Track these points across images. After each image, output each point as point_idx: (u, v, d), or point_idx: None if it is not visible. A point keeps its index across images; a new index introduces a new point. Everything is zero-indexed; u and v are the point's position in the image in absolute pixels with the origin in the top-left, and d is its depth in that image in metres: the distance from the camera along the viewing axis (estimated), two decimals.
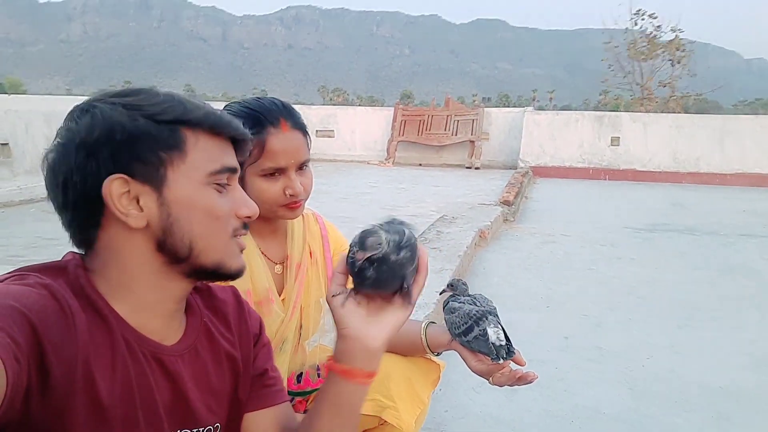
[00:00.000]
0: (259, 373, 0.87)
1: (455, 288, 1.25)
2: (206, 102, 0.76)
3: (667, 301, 3.46)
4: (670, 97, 20.67)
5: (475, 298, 1.21)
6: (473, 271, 4.03)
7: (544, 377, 2.37)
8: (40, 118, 6.11)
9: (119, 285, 0.70)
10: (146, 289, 0.71)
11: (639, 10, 20.69)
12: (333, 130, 11.84)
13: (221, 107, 1.21)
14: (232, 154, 0.75)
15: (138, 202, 0.68)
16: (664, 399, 2.25)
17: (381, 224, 0.78)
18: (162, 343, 0.73)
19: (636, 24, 20.55)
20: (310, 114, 11.98)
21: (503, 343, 1.10)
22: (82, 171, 0.66)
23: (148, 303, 0.71)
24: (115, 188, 0.66)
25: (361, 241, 0.75)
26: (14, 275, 0.65)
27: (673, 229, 5.65)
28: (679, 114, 12.45)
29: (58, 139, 0.68)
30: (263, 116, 1.15)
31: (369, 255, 0.74)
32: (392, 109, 11.77)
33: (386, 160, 11.10)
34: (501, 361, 1.09)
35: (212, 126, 0.71)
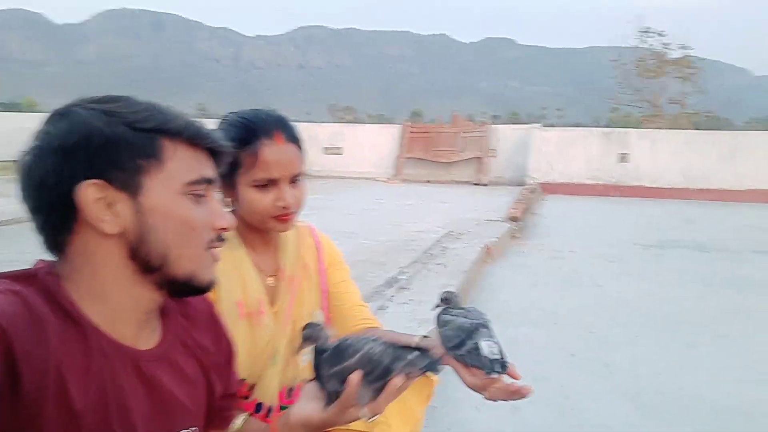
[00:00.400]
0: (229, 394, 0.89)
1: (450, 301, 1.22)
2: (183, 112, 0.76)
3: (676, 318, 3.40)
4: (680, 113, 20.62)
5: (467, 311, 1.18)
6: (480, 287, 3.99)
7: (550, 394, 2.34)
8: None
9: (91, 291, 0.69)
10: (118, 297, 0.70)
11: (647, 28, 20.80)
12: (341, 148, 11.90)
13: (244, 111, 1.22)
14: (210, 165, 0.75)
15: (113, 208, 0.67)
16: (672, 416, 2.19)
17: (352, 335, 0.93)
18: (138, 348, 0.73)
19: (644, 41, 20.65)
20: (318, 131, 12.07)
21: (497, 357, 1.07)
22: (57, 174, 0.66)
23: (120, 310, 0.71)
24: (91, 193, 0.66)
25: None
26: None
27: (682, 246, 5.57)
28: (689, 130, 12.39)
29: (35, 142, 0.68)
30: (258, 127, 1.16)
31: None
32: (400, 126, 11.83)
33: (394, 176, 11.12)
34: (495, 374, 1.06)
35: (191, 136, 0.72)
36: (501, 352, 1.08)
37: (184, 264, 0.71)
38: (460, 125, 11.65)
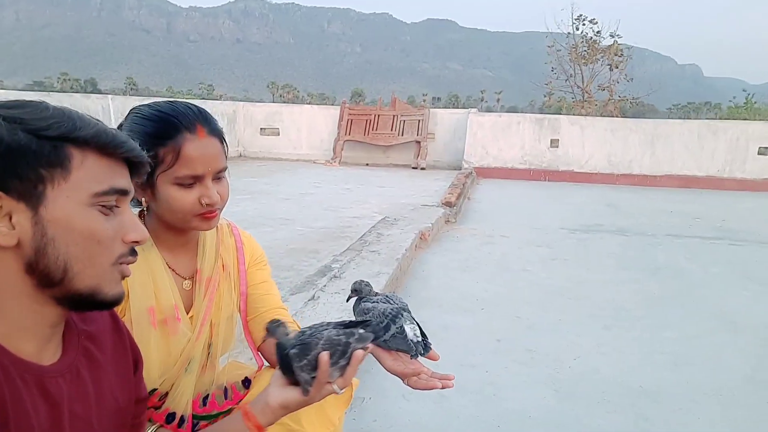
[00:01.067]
0: (140, 399, 0.87)
1: (360, 291, 1.24)
2: (99, 120, 0.72)
3: (596, 302, 3.58)
4: (609, 100, 21.59)
5: (387, 297, 1.21)
6: (413, 274, 4.04)
7: (475, 382, 2.40)
8: None
9: None
10: (16, 312, 0.66)
11: (580, 15, 21.53)
12: (278, 129, 11.64)
13: (159, 103, 1.13)
14: (125, 175, 0.72)
15: (10, 219, 0.64)
16: (588, 400, 2.31)
17: (309, 326, 1.00)
18: (41, 364, 0.69)
19: (578, 29, 21.38)
20: (254, 111, 11.74)
21: (419, 339, 1.10)
22: None
23: (20, 326, 0.67)
24: None
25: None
26: None
27: (605, 230, 5.86)
28: (614, 118, 13.00)
29: None
30: (178, 121, 1.08)
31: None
32: (339, 107, 11.68)
33: (332, 159, 11.02)
34: (419, 357, 1.09)
35: (103, 145, 0.69)
36: (422, 334, 1.12)
37: (86, 279, 0.68)
38: (399, 108, 11.65)
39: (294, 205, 6.09)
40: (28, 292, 0.66)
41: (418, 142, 10.96)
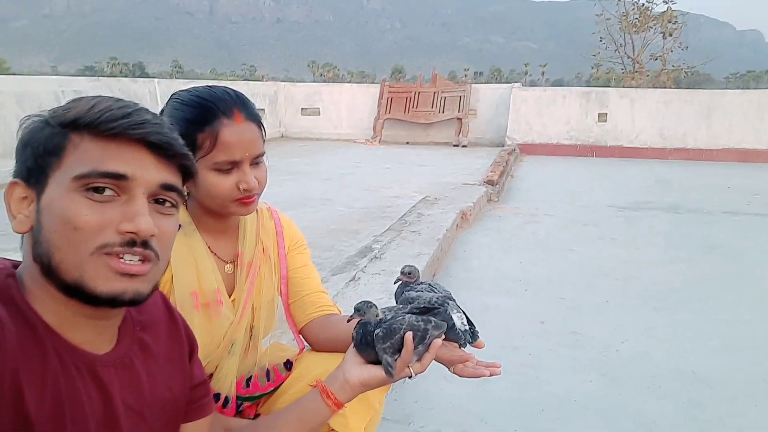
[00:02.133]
0: (197, 384, 0.86)
1: (412, 275, 1.22)
2: (138, 104, 0.70)
3: (645, 283, 3.45)
4: (662, 70, 20.58)
5: (431, 285, 1.19)
6: (453, 255, 4.00)
7: (517, 364, 2.37)
8: (12, 99, 5.93)
9: (38, 293, 0.67)
10: (51, 302, 0.67)
11: None
12: (319, 108, 11.67)
13: (198, 88, 1.14)
14: (132, 160, 0.66)
15: (30, 207, 0.67)
16: (636, 385, 2.24)
17: (389, 308, 1.04)
18: (94, 353, 0.70)
19: None
20: (295, 92, 11.79)
21: (467, 327, 1.09)
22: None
23: (62, 316, 0.68)
24: (13, 192, 0.67)
25: (358, 308, 1.02)
26: None
27: (656, 207, 5.63)
28: (667, 89, 12.38)
29: None
30: (216, 106, 1.08)
31: (357, 319, 1.00)
32: (379, 86, 11.59)
33: (372, 138, 10.98)
34: (467, 345, 1.08)
35: (104, 129, 0.65)
36: (470, 322, 1.10)
37: (69, 269, 0.64)
38: (440, 84, 11.45)
39: (334, 185, 6.12)
40: (42, 282, 0.67)
41: (460, 119, 10.77)
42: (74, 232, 0.64)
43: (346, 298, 2.69)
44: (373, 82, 14.43)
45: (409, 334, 0.95)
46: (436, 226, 4.15)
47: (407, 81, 24.44)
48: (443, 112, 10.96)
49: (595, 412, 2.04)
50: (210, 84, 1.20)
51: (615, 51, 21.31)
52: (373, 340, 0.97)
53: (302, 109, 11.66)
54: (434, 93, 11.13)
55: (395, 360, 0.96)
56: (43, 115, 0.69)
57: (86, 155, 0.65)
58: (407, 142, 11.04)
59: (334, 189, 5.82)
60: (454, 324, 1.08)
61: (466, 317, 1.11)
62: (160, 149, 0.68)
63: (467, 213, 4.81)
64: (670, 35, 20.03)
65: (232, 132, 1.07)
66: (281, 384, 1.30)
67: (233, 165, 1.09)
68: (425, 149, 10.15)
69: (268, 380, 1.30)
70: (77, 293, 0.65)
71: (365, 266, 3.21)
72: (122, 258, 0.65)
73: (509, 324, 2.81)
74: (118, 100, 0.69)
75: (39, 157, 0.66)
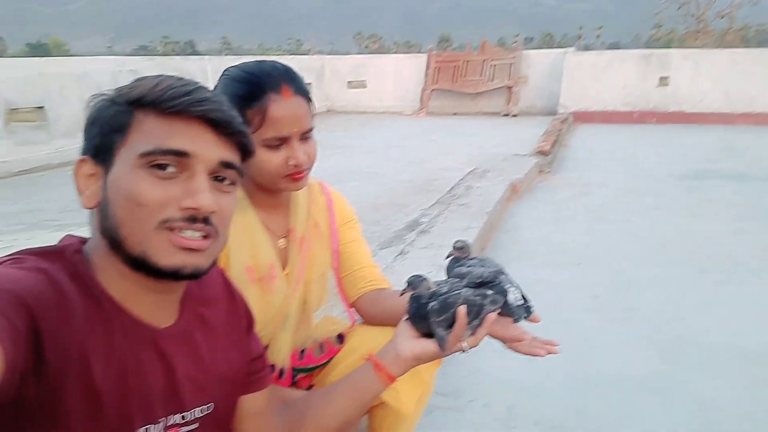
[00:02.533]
0: (255, 357, 0.89)
1: (464, 250, 1.19)
2: (198, 82, 0.71)
3: (707, 256, 3.29)
4: (729, 29, 19.24)
5: (481, 260, 1.17)
6: (503, 227, 3.93)
7: (570, 339, 2.33)
8: (73, 81, 6.18)
9: (111, 268, 0.70)
10: (117, 276, 0.70)
11: None
12: (365, 81, 11.58)
13: (247, 63, 1.14)
14: (195, 137, 0.68)
15: (97, 183, 0.70)
16: (694, 363, 2.16)
17: (443, 281, 1.02)
18: (157, 326, 0.73)
19: None
20: (340, 65, 11.74)
21: (521, 302, 1.07)
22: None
23: (127, 290, 0.71)
24: (82, 168, 0.70)
25: (411, 281, 1.00)
26: (12, 259, 0.65)
27: (720, 176, 5.33)
28: (735, 49, 11.54)
29: None
30: (264, 81, 1.08)
31: (409, 292, 0.99)
32: (425, 55, 11.37)
33: (419, 110, 10.85)
34: (522, 320, 1.06)
35: (166, 106, 0.67)
36: (524, 297, 1.08)
37: (134, 243, 0.67)
38: (489, 52, 11.11)
39: (380, 159, 6.11)
40: (109, 257, 0.69)
41: (510, 88, 10.46)
42: (138, 208, 0.66)
43: (394, 272, 2.71)
44: (419, 52, 14.15)
45: (462, 308, 0.94)
46: (485, 198, 4.09)
47: (454, 50, 23.88)
48: (492, 80, 10.66)
49: (650, 390, 1.99)
50: (259, 59, 1.20)
51: (677, 9, 20.05)
52: (427, 313, 0.96)
53: (348, 82, 11.62)
54: (483, 61, 10.82)
55: (448, 334, 0.96)
56: (109, 93, 0.70)
57: (150, 133, 0.67)
58: (455, 113, 10.84)
59: (380, 162, 5.81)
60: (508, 298, 1.06)
61: (521, 292, 1.09)
62: (220, 126, 0.69)
63: (518, 185, 4.71)
64: None
65: (280, 107, 1.07)
66: (334, 356, 1.33)
67: (282, 141, 1.09)
68: (473, 120, 9.95)
69: (321, 352, 1.33)
70: (142, 266, 0.67)
71: (413, 240, 3.21)
72: (183, 233, 0.67)
73: (561, 298, 2.76)
74: (180, 78, 0.70)
75: (105, 134, 0.68)
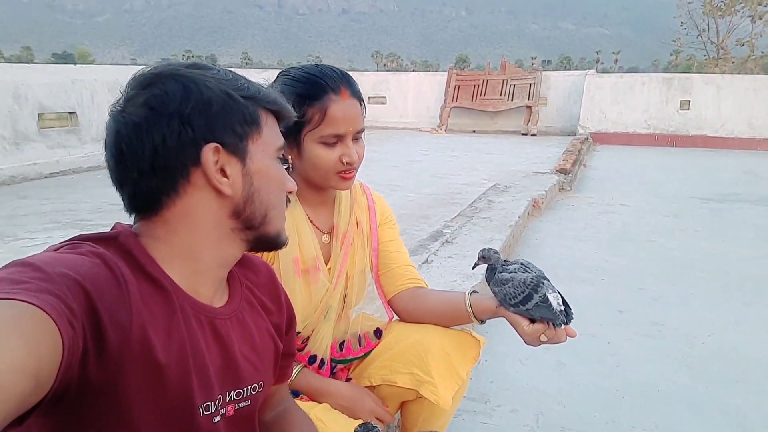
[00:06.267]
0: (289, 353, 0.92)
1: (488, 259, 1.21)
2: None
3: (734, 276, 3.27)
4: (749, 57, 19.18)
5: (524, 264, 1.18)
6: (525, 242, 3.94)
7: (596, 351, 2.32)
8: (104, 88, 6.36)
9: (182, 251, 0.71)
10: (209, 255, 0.73)
11: None
12: (385, 97, 11.72)
13: (307, 66, 1.21)
14: (279, 131, 0.80)
15: (224, 171, 0.70)
16: (725, 379, 2.14)
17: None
18: (212, 306, 0.76)
19: None
20: (362, 81, 11.89)
21: (562, 308, 1.09)
22: (177, 138, 0.67)
23: (204, 269, 0.73)
24: (212, 156, 0.69)
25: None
26: (68, 244, 0.67)
27: (744, 200, 5.29)
28: (757, 75, 11.50)
29: (144, 106, 0.68)
30: (325, 83, 1.14)
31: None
32: (446, 74, 11.49)
33: (438, 127, 10.92)
34: (563, 326, 1.09)
35: (276, 107, 0.77)
36: (565, 303, 1.10)
37: (276, 223, 0.78)
38: (509, 72, 11.20)
39: (402, 173, 6.15)
40: (226, 236, 0.74)
41: (529, 107, 10.51)
42: (282, 193, 0.78)
43: None
44: (436, 71, 14.27)
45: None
46: (507, 212, 4.10)
47: (472, 70, 24.02)
48: (512, 100, 10.73)
49: (681, 402, 1.98)
50: (316, 63, 1.25)
51: (697, 36, 20.07)
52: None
53: (369, 97, 11.76)
54: (503, 81, 10.91)
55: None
56: (219, 85, 0.71)
57: (274, 129, 0.77)
58: (473, 131, 10.91)
59: (402, 176, 5.86)
60: (550, 303, 1.08)
61: (562, 297, 1.10)
62: (281, 119, 0.80)
63: (539, 201, 4.72)
64: (760, 18, 18.61)
65: (339, 107, 1.13)
66: (371, 351, 1.35)
67: (338, 139, 1.14)
68: (492, 138, 9.99)
69: (360, 345, 1.35)
70: (270, 242, 0.79)
71: (437, 249, 3.22)
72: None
73: (585, 312, 2.75)
74: (247, 79, 0.79)
75: (240, 125, 0.72)
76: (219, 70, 0.74)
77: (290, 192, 0.80)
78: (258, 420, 0.89)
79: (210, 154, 0.69)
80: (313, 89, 1.13)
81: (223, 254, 0.75)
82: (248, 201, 0.73)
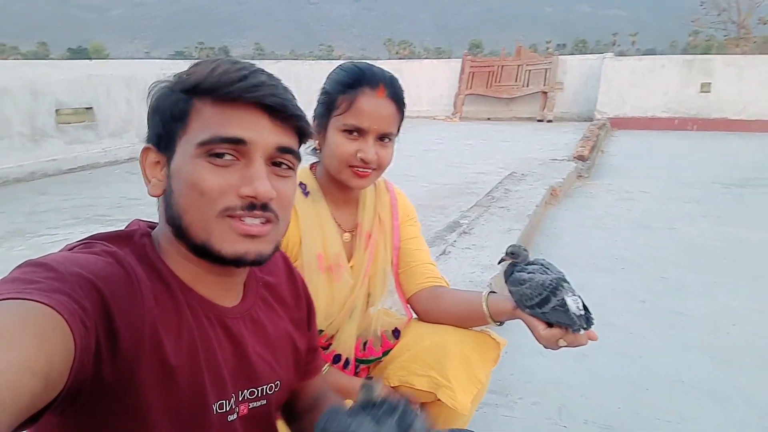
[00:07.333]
0: (314, 347, 0.92)
1: (517, 256, 1.17)
2: (254, 65, 0.70)
3: (758, 263, 3.20)
4: None
5: (543, 265, 1.14)
6: (543, 231, 3.90)
7: (617, 342, 2.30)
8: (120, 83, 6.39)
9: (171, 252, 0.71)
10: (183, 259, 0.71)
11: None
12: None
13: (360, 62, 1.22)
14: (252, 125, 0.67)
15: (162, 171, 0.70)
16: (750, 368, 2.10)
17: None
18: (224, 306, 0.75)
19: None
20: None
21: (581, 312, 1.04)
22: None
23: (194, 273, 0.72)
24: (147, 157, 0.70)
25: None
26: (82, 243, 0.67)
27: (767, 184, 5.18)
28: None
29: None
30: (365, 76, 1.14)
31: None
32: (460, 60, 11.36)
33: (453, 115, 10.83)
34: (582, 331, 1.04)
35: (222, 93, 0.66)
36: (585, 308, 1.06)
37: (198, 231, 0.67)
38: (525, 57, 11.04)
39: (417, 162, 6.12)
40: (175, 242, 0.70)
41: (545, 93, 10.37)
42: (200, 197, 0.66)
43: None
44: (449, 58, 14.13)
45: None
46: (525, 201, 4.06)
47: (486, 56, 23.75)
48: (527, 86, 10.59)
49: (706, 393, 1.95)
50: (370, 62, 1.24)
51: (717, 16, 19.58)
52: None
53: None
54: (518, 66, 10.77)
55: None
56: (169, 81, 0.70)
57: (208, 121, 0.66)
58: (488, 118, 10.80)
59: (417, 166, 5.83)
60: (567, 308, 1.03)
61: (582, 302, 1.06)
62: (275, 111, 0.68)
63: (557, 189, 4.66)
64: None
65: (369, 101, 1.12)
66: (389, 350, 1.35)
67: (359, 132, 1.13)
68: (508, 125, 9.89)
69: (380, 345, 1.35)
70: (205, 254, 0.68)
71: (454, 241, 3.20)
72: (244, 220, 0.67)
73: (606, 302, 2.72)
74: (235, 62, 0.69)
75: (167, 123, 0.68)
76: (201, 63, 0.70)
77: (250, 197, 0.67)
78: (295, 412, 0.90)
79: (144, 154, 0.70)
80: (350, 78, 1.14)
81: (192, 262, 0.71)
82: (168, 205, 0.69)
